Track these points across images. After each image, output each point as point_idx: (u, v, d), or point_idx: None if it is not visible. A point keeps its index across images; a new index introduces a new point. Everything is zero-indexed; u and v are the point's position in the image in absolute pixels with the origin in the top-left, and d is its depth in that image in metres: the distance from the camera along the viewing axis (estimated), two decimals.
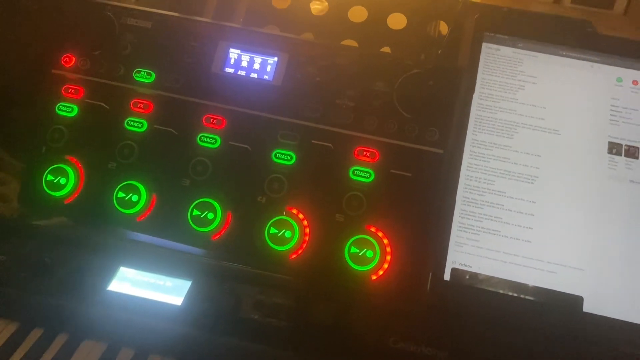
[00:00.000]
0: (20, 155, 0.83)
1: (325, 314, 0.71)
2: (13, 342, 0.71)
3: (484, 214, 0.72)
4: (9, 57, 0.85)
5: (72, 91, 0.79)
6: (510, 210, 0.72)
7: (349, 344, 0.70)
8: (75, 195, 0.76)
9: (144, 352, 0.70)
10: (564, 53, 0.78)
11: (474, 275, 0.70)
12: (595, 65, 0.78)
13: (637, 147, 0.74)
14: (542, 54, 0.78)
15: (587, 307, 0.68)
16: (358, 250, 0.71)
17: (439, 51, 0.82)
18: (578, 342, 0.67)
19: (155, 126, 0.77)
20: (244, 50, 0.79)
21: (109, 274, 0.74)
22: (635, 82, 0.77)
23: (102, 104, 0.78)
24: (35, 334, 0.72)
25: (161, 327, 0.70)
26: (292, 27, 0.85)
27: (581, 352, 0.67)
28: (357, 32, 0.86)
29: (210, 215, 0.73)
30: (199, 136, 0.76)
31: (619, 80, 0.77)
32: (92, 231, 0.77)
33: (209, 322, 0.71)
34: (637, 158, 0.74)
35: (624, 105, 0.76)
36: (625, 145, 0.74)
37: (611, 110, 0.76)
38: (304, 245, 0.72)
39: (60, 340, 0.71)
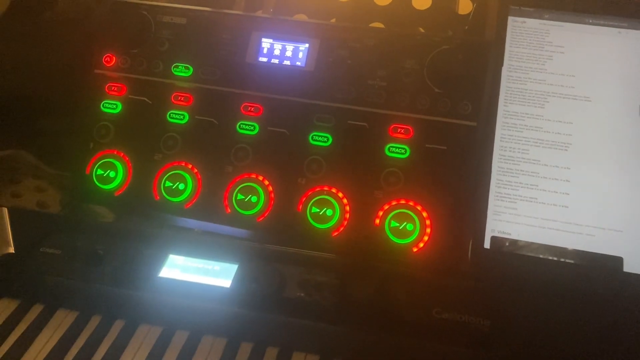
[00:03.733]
0: (61, 160, 0.86)
1: (369, 288, 0.73)
2: (74, 330, 0.74)
3: (520, 183, 0.73)
4: (53, 62, 0.89)
5: (115, 89, 0.82)
6: (546, 178, 0.73)
7: (393, 316, 0.71)
8: (125, 187, 0.79)
9: (198, 333, 0.73)
10: (591, 21, 0.79)
11: (514, 242, 0.71)
12: (623, 31, 0.78)
13: None
14: (569, 24, 0.79)
15: (628, 267, 0.69)
16: (399, 224, 0.72)
17: (466, 27, 0.84)
18: (620, 302, 0.68)
19: (196, 117, 0.80)
20: (275, 39, 0.81)
21: (159, 261, 0.76)
22: None
23: (145, 99, 0.81)
24: (94, 322, 0.75)
25: (212, 308, 0.73)
26: (320, 14, 0.87)
27: (624, 311, 0.68)
28: (383, 15, 0.87)
29: (254, 199, 0.75)
30: (238, 124, 0.78)
31: None
32: (142, 221, 0.80)
33: (257, 302, 0.72)
34: None
35: None
36: None
37: None
38: (345, 222, 0.74)
39: (117, 326, 0.74)
